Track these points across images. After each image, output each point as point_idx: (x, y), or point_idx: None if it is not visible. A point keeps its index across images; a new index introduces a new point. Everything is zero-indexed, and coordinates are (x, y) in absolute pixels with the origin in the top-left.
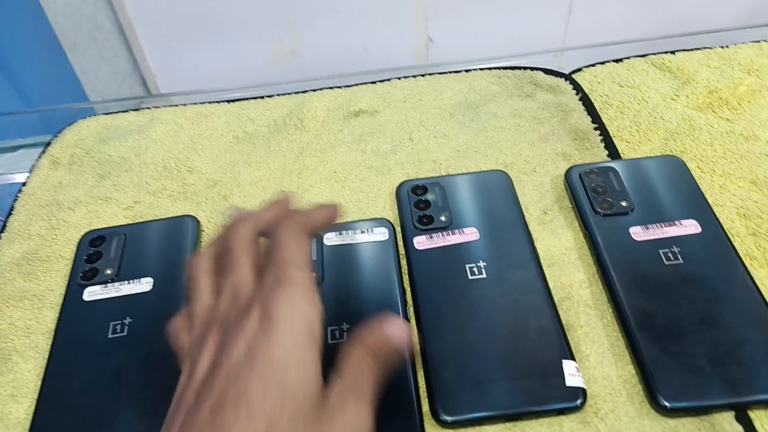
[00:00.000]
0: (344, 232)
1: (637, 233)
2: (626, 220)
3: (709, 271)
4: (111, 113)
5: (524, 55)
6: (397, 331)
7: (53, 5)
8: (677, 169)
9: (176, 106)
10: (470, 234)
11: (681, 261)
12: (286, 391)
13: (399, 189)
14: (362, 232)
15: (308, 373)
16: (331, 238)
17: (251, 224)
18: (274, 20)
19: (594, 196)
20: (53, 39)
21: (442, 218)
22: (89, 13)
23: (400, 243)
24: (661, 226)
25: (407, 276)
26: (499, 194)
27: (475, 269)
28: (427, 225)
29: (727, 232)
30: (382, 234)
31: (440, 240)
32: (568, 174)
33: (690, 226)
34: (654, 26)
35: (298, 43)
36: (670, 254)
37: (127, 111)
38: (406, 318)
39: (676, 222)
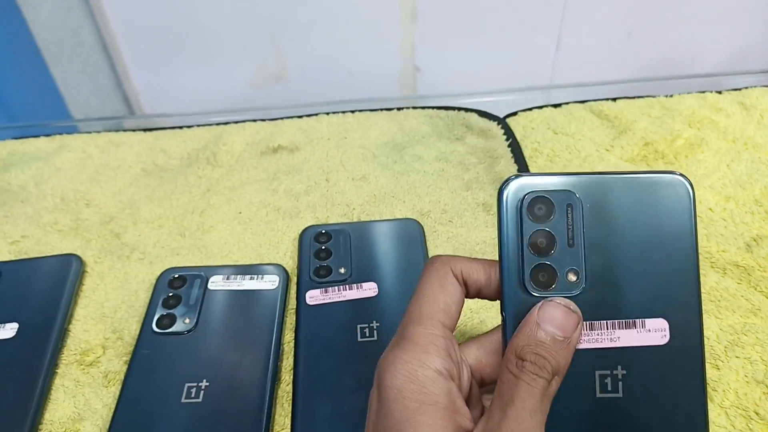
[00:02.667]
0: (232, 276)
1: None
2: None
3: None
4: (21, 138)
5: (510, 90)
6: (552, 314)
7: (36, 18)
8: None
9: (89, 133)
10: (368, 290)
11: (620, 394)
12: None
13: (302, 235)
14: (251, 278)
15: None
16: (216, 282)
17: None
18: (259, 42)
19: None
20: (37, 53)
21: (341, 270)
22: (72, 27)
23: (295, 294)
24: (610, 328)
25: (294, 332)
26: (407, 246)
27: (367, 330)
28: (324, 277)
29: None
30: (271, 282)
31: (335, 295)
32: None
33: (655, 332)
34: (640, 65)
35: (283, 66)
36: (608, 380)
37: (38, 136)
38: (274, 386)
39: (636, 321)
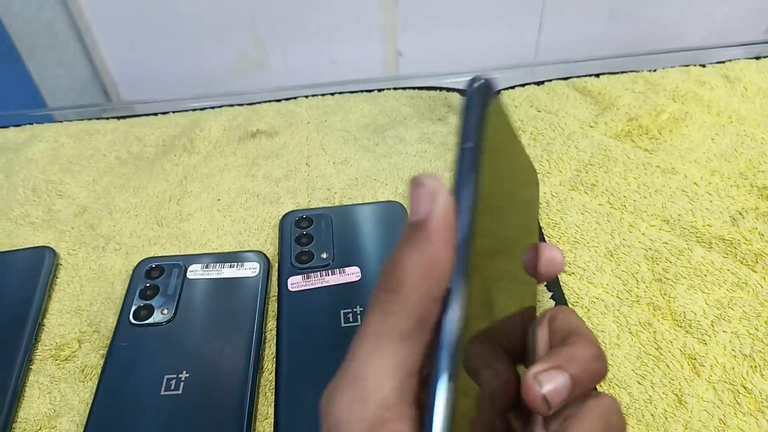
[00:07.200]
0: (211, 264)
1: None
2: None
3: None
4: None
5: (492, 69)
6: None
7: (8, 10)
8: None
9: (60, 122)
10: (351, 274)
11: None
12: None
13: (282, 221)
14: (231, 266)
15: None
16: (195, 271)
17: None
18: (239, 31)
19: None
20: (10, 46)
21: (323, 255)
22: (46, 20)
23: (276, 281)
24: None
25: (276, 320)
26: (390, 229)
27: (351, 316)
28: (306, 263)
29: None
30: (252, 269)
31: (317, 281)
32: None
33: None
34: (623, 43)
35: (264, 55)
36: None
37: (7, 126)
38: (256, 375)
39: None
